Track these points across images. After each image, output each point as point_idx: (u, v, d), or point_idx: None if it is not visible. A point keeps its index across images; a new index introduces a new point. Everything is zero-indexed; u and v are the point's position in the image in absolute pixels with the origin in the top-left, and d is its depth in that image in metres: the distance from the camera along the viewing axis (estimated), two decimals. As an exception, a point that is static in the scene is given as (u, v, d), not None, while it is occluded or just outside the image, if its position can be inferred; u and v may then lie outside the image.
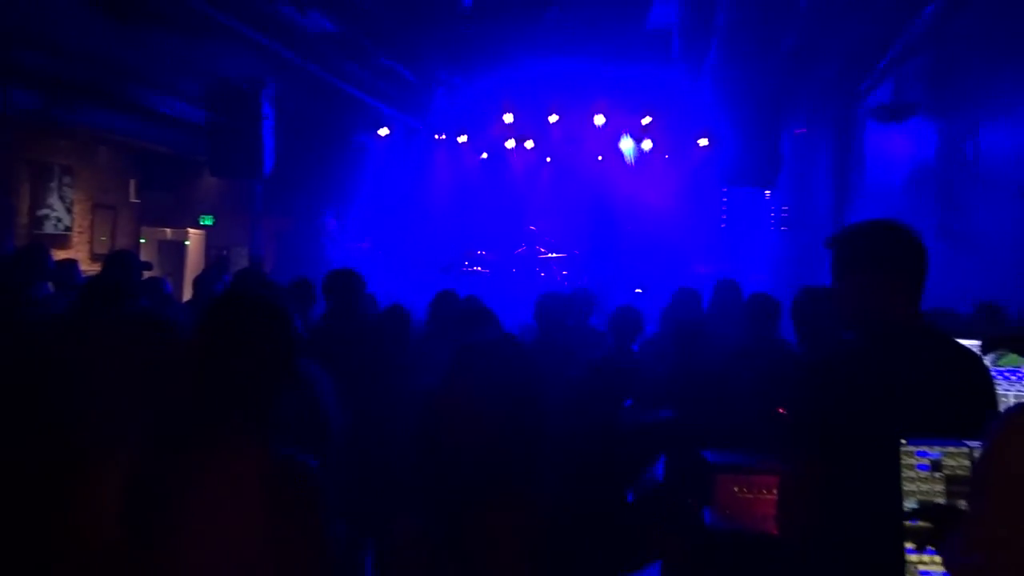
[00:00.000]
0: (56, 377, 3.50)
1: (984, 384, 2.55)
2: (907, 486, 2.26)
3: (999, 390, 2.67)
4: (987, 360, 2.90)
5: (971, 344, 2.77)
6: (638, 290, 13.12)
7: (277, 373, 2.19)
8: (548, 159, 14.75)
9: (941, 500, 2.23)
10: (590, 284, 10.33)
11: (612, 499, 3.94)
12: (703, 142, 13.19)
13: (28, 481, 2.87)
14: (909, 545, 2.24)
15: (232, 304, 2.28)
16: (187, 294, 11.17)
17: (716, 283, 7.02)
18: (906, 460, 2.27)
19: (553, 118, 13.42)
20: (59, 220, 10.99)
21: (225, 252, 13.37)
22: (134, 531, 2.05)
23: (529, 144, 14.34)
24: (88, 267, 9.87)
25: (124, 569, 2.06)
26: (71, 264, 7.28)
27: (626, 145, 14.08)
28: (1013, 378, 3.04)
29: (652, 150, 14.01)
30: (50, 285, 6.49)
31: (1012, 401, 2.98)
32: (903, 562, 2.24)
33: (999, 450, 1.49)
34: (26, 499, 2.94)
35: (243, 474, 2.03)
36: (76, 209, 11.34)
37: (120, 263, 6.54)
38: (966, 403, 2.45)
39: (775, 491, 3.12)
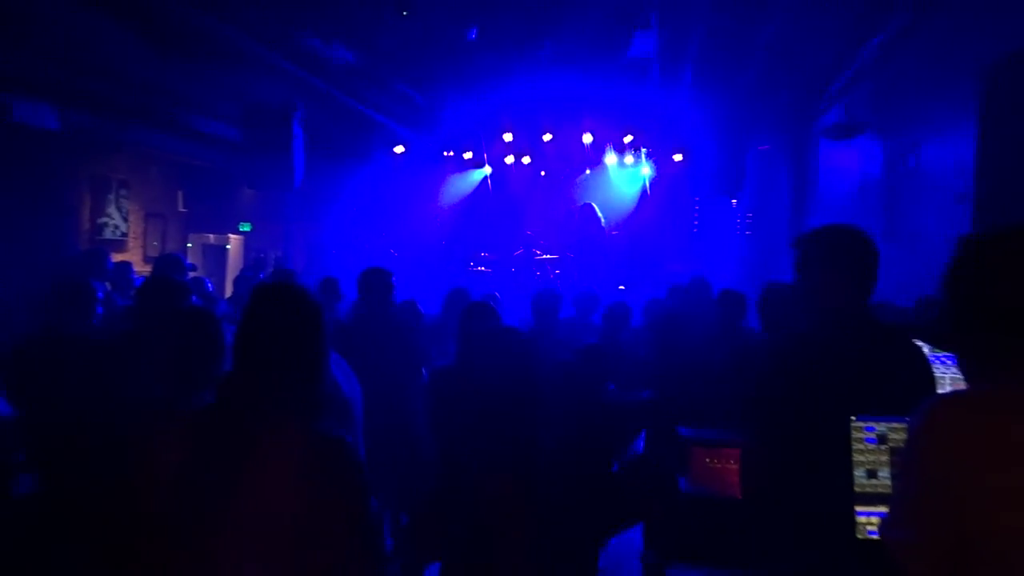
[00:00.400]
0: (125, 362, 3.52)
1: (923, 368, 2.56)
2: (857, 457, 2.27)
3: (937, 373, 2.67)
4: (925, 347, 2.90)
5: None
6: (621, 287, 13.12)
7: (312, 352, 2.16)
8: (543, 173, 14.75)
9: (887, 468, 2.24)
10: (590, 286, 10.30)
11: (599, 468, 3.94)
12: (678, 157, 13.20)
13: (103, 448, 2.87)
14: (859, 508, 2.25)
15: (269, 292, 2.27)
16: (228, 291, 11.20)
17: (690, 280, 7.03)
18: (856, 434, 2.28)
19: (547, 137, 13.40)
20: (116, 227, 10.99)
21: (262, 255, 13.38)
22: (186, 500, 2.03)
23: (526, 160, 14.33)
24: (141, 268, 9.87)
25: (177, 529, 2.04)
26: (126, 265, 7.30)
27: (611, 160, 14.08)
28: (949, 362, 3.05)
29: (634, 164, 14.01)
30: (107, 284, 6.51)
31: (949, 382, 2.99)
32: (853, 523, 2.25)
33: (920, 439, 1.49)
34: (99, 464, 2.95)
35: (288, 447, 2.00)
36: (131, 218, 11.33)
37: (169, 264, 6.56)
38: (907, 384, 2.46)
39: (742, 461, 3.12)
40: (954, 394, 1.57)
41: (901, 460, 1.54)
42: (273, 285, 2.27)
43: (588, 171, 14.43)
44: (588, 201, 13.90)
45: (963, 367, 1.66)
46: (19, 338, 4.26)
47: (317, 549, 1.94)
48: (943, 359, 3.06)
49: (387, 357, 4.76)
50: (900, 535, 1.46)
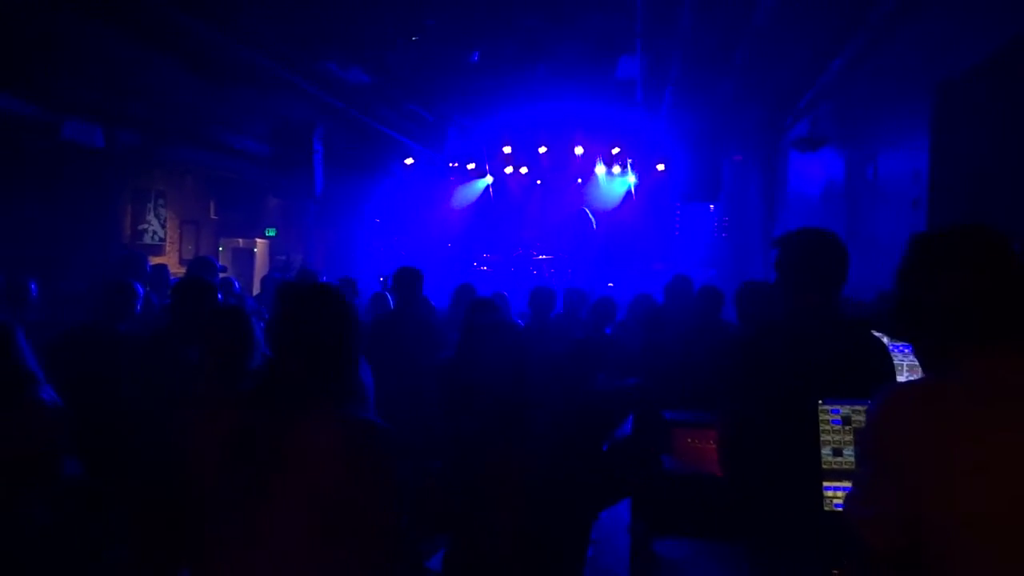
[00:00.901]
0: (161, 355, 3.51)
1: (883, 357, 2.56)
2: (824, 436, 2.27)
3: (895, 360, 2.67)
4: (884, 337, 2.90)
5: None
6: (610, 284, 13.12)
7: (344, 346, 2.13)
8: (539, 182, 14.74)
9: (851, 447, 2.24)
10: (578, 283, 10.26)
11: (590, 449, 3.94)
12: (661, 167, 13.20)
13: (140, 435, 2.86)
14: (826, 483, 2.25)
15: (308, 292, 2.25)
16: (256, 289, 11.19)
17: (672, 277, 7.00)
18: (823, 416, 2.28)
19: (542, 149, 13.41)
20: (155, 233, 10.98)
21: (286, 257, 13.38)
22: (228, 482, 2.01)
23: (524, 170, 14.34)
24: (177, 270, 9.87)
25: (218, 509, 2.03)
26: (163, 268, 7.30)
27: (600, 170, 14.07)
28: (906, 351, 3.05)
29: (620, 174, 14.01)
30: (146, 286, 6.51)
31: (906, 368, 2.99)
32: (821, 496, 2.25)
33: (877, 424, 1.48)
34: (136, 450, 2.94)
35: (325, 430, 1.98)
36: (168, 224, 11.33)
37: (202, 266, 6.55)
38: (869, 371, 2.46)
39: (719, 441, 3.12)
40: (906, 384, 1.56)
41: (861, 443, 1.53)
42: (311, 286, 2.25)
43: (579, 180, 14.43)
44: (583, 207, 13.91)
45: (917, 356, 1.65)
46: (58, 333, 4.27)
47: (351, 526, 1.93)
48: (900, 348, 3.06)
49: (414, 346, 4.77)
50: (862, 512, 1.46)
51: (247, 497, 1.95)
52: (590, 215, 13.38)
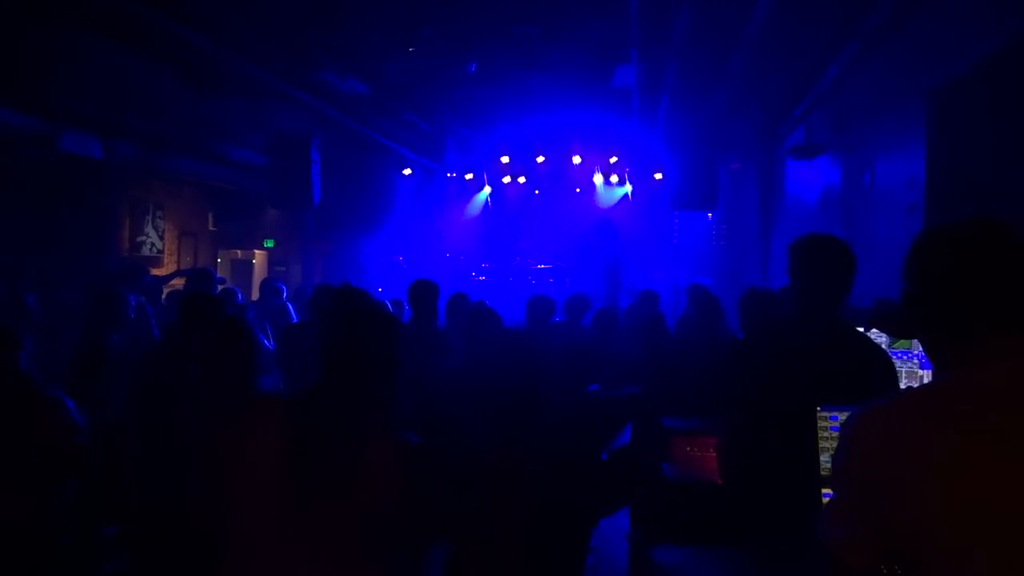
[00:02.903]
0: (162, 366, 3.50)
1: (884, 363, 2.55)
2: (822, 444, 2.26)
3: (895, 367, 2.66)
4: (883, 343, 2.90)
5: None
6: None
7: (399, 369, 2.19)
8: (536, 191, 14.73)
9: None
10: (581, 290, 10.19)
11: (590, 457, 3.93)
12: (658, 176, 13.19)
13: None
14: (825, 490, 2.24)
15: (368, 314, 2.27)
16: (254, 295, 11.17)
17: (690, 286, 6.98)
18: (821, 423, 2.27)
19: (540, 159, 13.42)
20: (153, 245, 10.98)
21: (284, 268, 13.38)
22: (279, 483, 2.01)
23: (522, 179, 14.32)
24: (176, 282, 9.85)
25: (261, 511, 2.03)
26: (155, 279, 7.31)
27: (598, 179, 14.07)
28: (904, 357, 3.05)
29: (618, 183, 14.01)
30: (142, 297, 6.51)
31: (905, 374, 2.98)
32: (820, 503, 2.24)
33: (850, 444, 1.45)
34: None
35: (392, 457, 2.05)
36: (166, 236, 11.33)
37: (201, 278, 6.55)
38: (868, 378, 2.46)
39: (719, 449, 3.11)
40: (879, 401, 1.51)
41: (833, 464, 1.50)
42: (375, 310, 2.28)
43: (578, 189, 14.43)
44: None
45: (924, 350, 1.59)
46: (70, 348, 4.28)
47: (387, 537, 2.00)
48: (899, 354, 3.06)
49: (431, 359, 4.77)
50: (836, 533, 1.43)
51: (289, 507, 1.97)
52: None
